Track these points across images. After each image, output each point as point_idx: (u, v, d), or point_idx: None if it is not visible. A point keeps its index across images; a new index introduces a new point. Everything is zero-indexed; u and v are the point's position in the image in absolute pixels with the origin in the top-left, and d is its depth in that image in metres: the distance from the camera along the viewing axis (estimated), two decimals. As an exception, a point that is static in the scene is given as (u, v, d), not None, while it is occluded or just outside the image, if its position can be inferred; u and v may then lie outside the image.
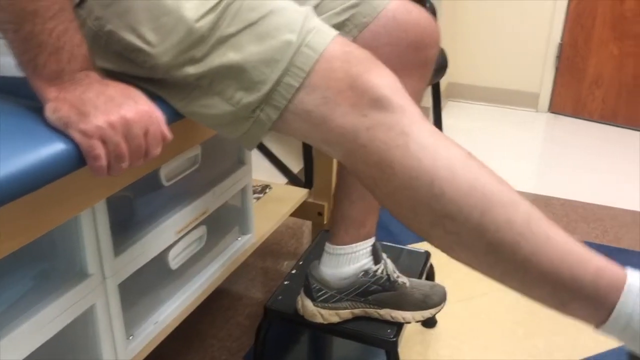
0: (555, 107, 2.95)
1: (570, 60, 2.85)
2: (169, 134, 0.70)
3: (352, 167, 0.75)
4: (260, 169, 2.17)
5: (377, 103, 0.71)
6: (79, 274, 0.89)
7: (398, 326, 1.13)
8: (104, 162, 0.64)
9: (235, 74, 0.72)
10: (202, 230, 1.17)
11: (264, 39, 0.72)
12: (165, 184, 1.04)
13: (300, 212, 1.61)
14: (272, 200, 1.55)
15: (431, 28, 0.97)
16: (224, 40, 0.72)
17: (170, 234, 1.06)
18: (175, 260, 1.10)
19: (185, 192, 1.11)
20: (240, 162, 1.28)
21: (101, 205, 0.89)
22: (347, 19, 0.94)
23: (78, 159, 0.65)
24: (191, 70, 0.72)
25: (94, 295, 0.91)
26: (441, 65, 2.08)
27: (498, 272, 0.73)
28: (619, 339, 0.73)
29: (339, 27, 0.95)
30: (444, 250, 0.75)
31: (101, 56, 0.75)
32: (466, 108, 3.03)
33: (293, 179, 2.16)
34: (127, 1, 0.72)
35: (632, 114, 2.78)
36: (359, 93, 0.71)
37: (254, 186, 1.59)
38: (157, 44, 0.71)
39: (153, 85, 0.75)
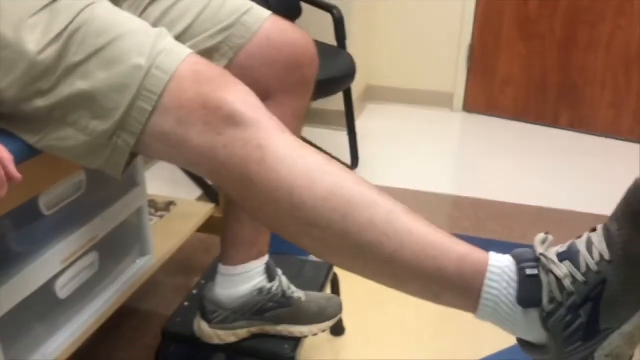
0: (469, 106, 3.03)
1: (481, 60, 2.94)
2: (16, 175, 0.67)
3: (220, 185, 0.75)
4: (177, 182, 2.14)
5: (231, 119, 0.71)
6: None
7: (296, 341, 1.14)
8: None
9: (86, 102, 0.71)
10: (94, 256, 1.14)
11: (112, 65, 0.71)
12: (46, 213, 1.01)
13: (209, 227, 1.60)
14: (176, 218, 1.53)
15: (307, 47, 0.98)
16: (71, 69, 0.70)
17: (54, 264, 1.03)
18: (63, 290, 1.07)
19: (70, 219, 1.09)
20: (133, 183, 1.25)
21: (-32, 243, 0.85)
22: (222, 42, 0.94)
23: None
24: (40, 103, 0.71)
25: (-33, 337, 0.87)
26: (349, 72, 2.11)
27: (370, 272, 0.75)
28: (496, 324, 0.75)
29: (214, 50, 0.94)
30: (317, 257, 0.76)
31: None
32: (385, 110, 3.08)
33: (208, 192, 2.15)
34: None
35: (541, 111, 2.89)
36: (211, 111, 0.71)
37: (158, 204, 1.57)
38: None
39: (3, 121, 0.73)
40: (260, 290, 1.10)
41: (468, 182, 2.32)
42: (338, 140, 2.57)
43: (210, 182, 2.18)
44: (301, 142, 0.74)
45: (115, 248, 1.24)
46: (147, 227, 1.31)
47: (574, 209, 2.09)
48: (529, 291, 0.70)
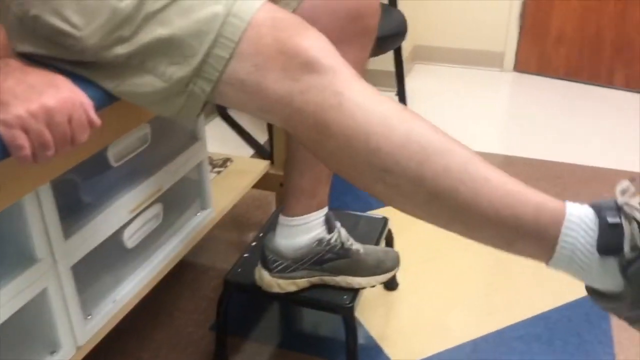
0: (520, 66, 2.96)
1: (534, 17, 2.86)
2: (96, 120, 0.70)
3: (293, 132, 0.76)
4: (228, 141, 2.17)
5: (308, 66, 0.72)
6: (27, 259, 0.90)
7: (354, 292, 1.16)
8: (27, 151, 0.64)
9: (165, 49, 0.72)
10: (158, 207, 1.18)
11: (190, 12, 0.72)
12: (114, 164, 1.04)
13: (263, 183, 1.63)
14: (233, 174, 1.56)
15: (369, -3, 0.98)
16: (151, 16, 0.72)
17: (123, 213, 1.07)
18: (131, 239, 1.12)
19: (137, 171, 1.12)
20: (194, 137, 1.28)
21: (45, 190, 0.89)
22: (285, -9, 0.94)
23: (2, 149, 0.65)
24: (121, 50, 0.72)
25: (45, 279, 0.92)
26: (400, 30, 2.08)
27: (443, 220, 0.75)
28: (569, 272, 0.75)
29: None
30: (389, 203, 0.77)
31: (31, 41, 0.75)
32: (433, 70, 3.04)
33: (260, 151, 2.17)
34: None
35: (594, 70, 2.81)
36: (288, 57, 0.72)
37: (215, 160, 1.60)
38: (83, 27, 0.71)
39: (84, 68, 0.75)
40: (320, 241, 1.12)
41: (520, 142, 2.28)
42: (386, 100, 2.55)
43: (262, 142, 2.20)
44: (376, 90, 0.75)
45: (177, 201, 1.27)
46: (208, 181, 1.35)
47: (628, 169, 2.04)
48: (610, 239, 0.70)
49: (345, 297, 1.15)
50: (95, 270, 1.07)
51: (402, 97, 2.36)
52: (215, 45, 0.72)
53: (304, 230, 1.11)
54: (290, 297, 1.16)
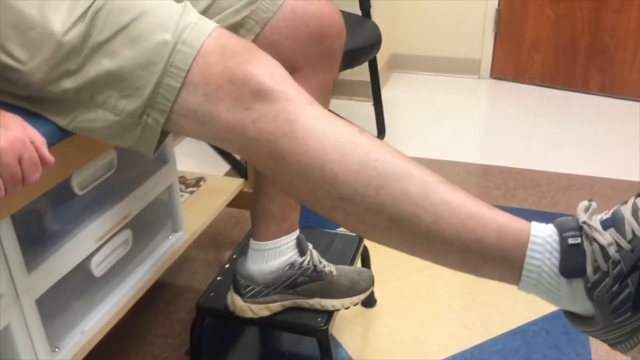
0: (497, 73, 2.98)
1: (509, 25, 2.87)
2: (49, 157, 0.68)
3: (250, 161, 0.75)
4: (203, 157, 2.15)
5: (259, 94, 0.70)
6: (-12, 295, 0.87)
7: (328, 314, 1.15)
8: (-25, 194, 0.62)
9: (114, 82, 0.71)
10: (127, 233, 1.16)
11: (138, 42, 0.70)
12: (79, 192, 1.02)
13: (238, 202, 1.61)
14: (206, 193, 1.54)
15: (333, 18, 0.97)
16: (97, 48, 0.70)
17: (89, 242, 1.05)
18: (98, 267, 1.09)
19: (103, 198, 1.10)
20: (163, 160, 1.26)
21: (6, 224, 0.87)
22: (247, 16, 0.93)
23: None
24: (68, 84, 0.71)
25: (8, 315, 0.89)
26: (374, 42, 2.08)
27: (406, 246, 0.74)
28: (539, 295, 0.73)
29: (239, 25, 0.94)
30: (352, 231, 0.76)
31: (-18, 76, 0.73)
32: (410, 79, 3.04)
33: (237, 166, 2.16)
34: None
35: (570, 77, 2.82)
36: (238, 86, 0.70)
37: (188, 180, 1.58)
38: (27, 61, 0.69)
39: (33, 104, 0.73)
40: (292, 265, 1.10)
41: (497, 151, 2.29)
42: (364, 111, 2.55)
43: (238, 157, 2.18)
44: (331, 113, 0.73)
45: (147, 225, 1.25)
46: (179, 203, 1.33)
47: (606, 176, 2.05)
48: (572, 261, 0.69)
49: (319, 319, 1.14)
50: (62, 301, 1.04)
51: (378, 107, 2.35)
52: (165, 75, 0.70)
53: (275, 255, 1.10)
54: (264, 321, 1.15)
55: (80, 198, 1.03)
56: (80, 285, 1.08)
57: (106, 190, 1.10)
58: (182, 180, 1.57)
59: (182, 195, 1.48)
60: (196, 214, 1.43)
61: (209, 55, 0.71)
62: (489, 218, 0.71)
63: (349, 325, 1.42)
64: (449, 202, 0.71)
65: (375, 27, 2.13)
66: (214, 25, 0.75)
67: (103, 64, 0.71)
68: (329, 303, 1.14)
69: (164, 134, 0.76)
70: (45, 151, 0.68)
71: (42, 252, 0.96)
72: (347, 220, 0.73)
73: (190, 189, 1.54)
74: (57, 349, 1.02)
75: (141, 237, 1.22)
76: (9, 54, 0.70)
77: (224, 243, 1.76)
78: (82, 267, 1.05)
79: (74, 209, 1.04)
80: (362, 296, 1.17)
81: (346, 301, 1.15)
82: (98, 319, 1.09)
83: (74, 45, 0.70)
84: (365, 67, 2.31)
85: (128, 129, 0.73)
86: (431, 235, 0.71)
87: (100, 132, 0.74)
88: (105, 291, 1.13)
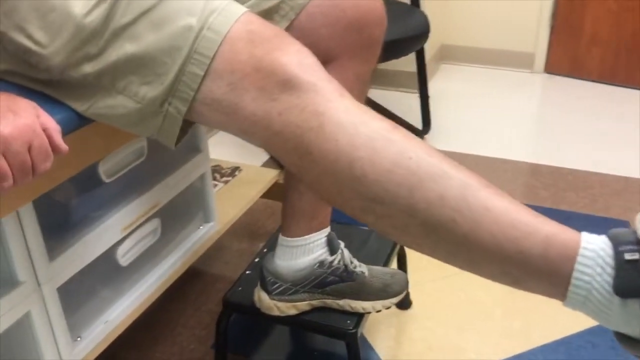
0: (551, 67, 2.84)
1: (566, 17, 2.73)
2: (62, 146, 0.65)
3: (275, 155, 0.70)
4: (242, 146, 2.12)
5: (286, 84, 0.65)
6: (8, 282, 0.86)
7: (358, 316, 1.09)
8: (-20, 183, 0.60)
9: (135, 67, 0.67)
10: (156, 223, 1.13)
11: (161, 26, 0.66)
12: (106, 180, 1.00)
13: (274, 194, 1.57)
14: (241, 183, 1.51)
15: (373, 5, 0.91)
16: (119, 31, 0.67)
17: (115, 231, 1.03)
18: (125, 257, 1.07)
19: (132, 186, 1.07)
20: (196, 149, 1.23)
21: (27, 210, 0.85)
22: (282, 1, 0.88)
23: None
24: (88, 68, 0.67)
25: (28, 303, 0.88)
26: (422, 32, 2.00)
27: (442, 254, 0.68)
28: (587, 314, 0.67)
29: (273, 10, 0.89)
30: (384, 235, 0.71)
31: (3, 58, 0.71)
32: (460, 71, 2.94)
33: (275, 158, 2.12)
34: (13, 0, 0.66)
35: (631, 73, 2.67)
36: (265, 75, 0.65)
37: (223, 169, 1.55)
38: (47, 44, 0.66)
39: (53, 88, 0.70)
40: (321, 263, 1.06)
41: (548, 149, 2.18)
42: (409, 102, 2.48)
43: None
44: (363, 106, 0.68)
45: (178, 214, 1.23)
46: (211, 193, 1.30)
47: (665, 180, 1.93)
48: (629, 279, 0.62)
49: (349, 321, 1.09)
50: (86, 289, 1.03)
51: (424, 100, 2.27)
52: (189, 62, 0.66)
53: (304, 252, 1.05)
54: (290, 320, 1.10)
55: (107, 186, 1.01)
56: (105, 273, 1.06)
57: (135, 178, 1.07)
58: (217, 169, 1.54)
59: (216, 185, 1.46)
60: (229, 205, 1.40)
61: (236, 41, 0.67)
62: (534, 227, 0.65)
63: (381, 326, 1.37)
64: (490, 207, 0.65)
65: (424, 16, 2.05)
66: (243, 9, 0.70)
67: (125, 48, 0.67)
68: (359, 305, 1.09)
69: (187, 124, 0.72)
70: (58, 139, 0.64)
71: (66, 240, 0.95)
72: (378, 222, 0.67)
73: (225, 179, 1.51)
74: (79, 338, 1.00)
75: (171, 227, 1.20)
76: (29, 37, 0.67)
77: (259, 234, 1.73)
78: (108, 256, 1.03)
79: (101, 197, 1.02)
80: (395, 300, 1.12)
81: (377, 304, 1.10)
82: (122, 309, 1.07)
83: (94, 28, 0.66)
84: (412, 57, 2.23)
85: (148, 117, 0.69)
86: (469, 243, 0.65)
87: (119, 119, 0.70)
88: (131, 281, 1.11)
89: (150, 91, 0.67)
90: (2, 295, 0.84)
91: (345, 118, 0.65)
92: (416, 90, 2.31)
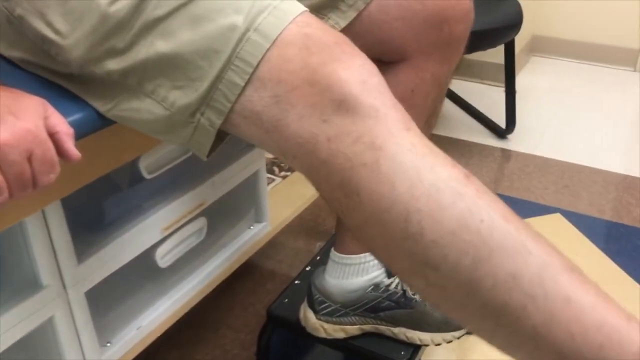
0: (658, 66, 2.58)
1: (680, 11, 2.46)
2: (73, 152, 0.55)
3: (316, 187, 0.59)
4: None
5: (342, 104, 0.53)
6: (32, 285, 0.79)
7: (414, 348, 0.98)
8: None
9: (166, 68, 0.57)
10: (201, 222, 1.05)
11: (200, 23, 0.56)
12: (147, 176, 0.92)
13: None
14: (300, 180, 1.39)
15: (458, -3, 0.77)
16: (150, 25, 0.56)
17: (154, 231, 0.95)
18: (165, 258, 0.99)
19: (176, 183, 0.99)
20: (250, 145, 1.13)
21: (54, 209, 0.78)
22: (350, -11, 0.76)
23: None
24: (113, 65, 0.58)
25: (52, 307, 0.81)
26: (514, 22, 1.83)
27: (500, 343, 0.56)
28: None
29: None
30: (432, 305, 0.58)
31: (20, 45, 0.63)
32: (551, 64, 2.71)
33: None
34: None
35: None
36: (319, 90, 0.54)
37: (280, 163, 1.45)
38: (67, 34, 0.57)
39: (74, 83, 0.61)
40: (377, 286, 0.94)
41: (647, 160, 1.95)
42: (494, 96, 2.29)
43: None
44: (433, 146, 0.55)
45: (227, 213, 1.14)
46: (264, 191, 1.20)
47: None
48: None
49: (403, 352, 0.97)
50: (120, 292, 0.96)
51: (510, 96, 2.09)
52: (228, 68, 0.55)
53: (358, 272, 0.94)
54: (339, 342, 1.00)
55: (148, 182, 0.93)
56: (142, 275, 0.99)
57: (180, 175, 0.99)
58: (277, 162, 1.44)
59: (273, 180, 1.36)
60: (284, 203, 1.31)
61: (288, 46, 0.55)
62: (626, 335, 0.52)
63: (441, 351, 1.24)
64: (572, 299, 0.52)
65: (517, 5, 1.87)
66: (301, 9, 0.57)
67: (156, 46, 0.57)
68: (416, 336, 0.97)
69: (223, 134, 0.61)
70: (69, 144, 0.55)
71: (98, 241, 0.87)
72: (427, 290, 0.55)
73: (283, 173, 1.41)
74: (108, 344, 0.93)
75: (218, 227, 1.11)
76: (49, 24, 0.58)
77: (317, 232, 1.62)
78: (146, 256, 0.96)
79: (141, 194, 0.94)
80: (457, 334, 0.99)
81: (437, 337, 0.97)
82: (158, 314, 1.00)
83: (121, 19, 0.56)
84: (500, 47, 2.05)
85: (177, 126, 0.59)
86: (538, 338, 0.52)
87: (144, 124, 0.61)
88: (170, 283, 1.04)
89: (182, 98, 0.57)
90: (23, 299, 0.77)
91: (407, 158, 0.53)
92: (502, 84, 2.14)
